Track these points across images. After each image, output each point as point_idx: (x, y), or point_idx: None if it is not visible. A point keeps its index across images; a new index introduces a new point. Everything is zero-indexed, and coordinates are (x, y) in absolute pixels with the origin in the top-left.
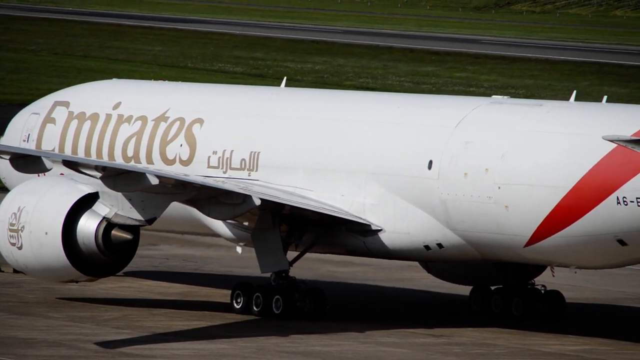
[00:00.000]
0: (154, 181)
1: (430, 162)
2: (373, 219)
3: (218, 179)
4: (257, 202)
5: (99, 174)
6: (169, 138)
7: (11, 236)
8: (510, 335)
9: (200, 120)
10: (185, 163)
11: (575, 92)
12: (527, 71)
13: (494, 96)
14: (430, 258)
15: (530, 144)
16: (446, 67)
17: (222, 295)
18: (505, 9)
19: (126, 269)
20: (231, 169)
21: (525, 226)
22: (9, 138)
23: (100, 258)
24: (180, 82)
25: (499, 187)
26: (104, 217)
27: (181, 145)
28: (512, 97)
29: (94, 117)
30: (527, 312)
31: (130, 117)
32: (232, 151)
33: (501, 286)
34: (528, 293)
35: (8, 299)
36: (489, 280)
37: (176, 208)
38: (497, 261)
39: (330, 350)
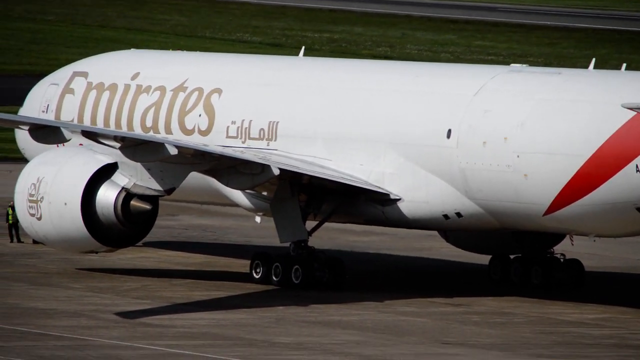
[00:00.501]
0: (173, 151)
1: (449, 131)
2: (392, 188)
3: (237, 148)
4: (276, 171)
5: (117, 144)
6: (187, 108)
7: (30, 207)
8: (529, 303)
9: (218, 90)
10: (204, 133)
11: (594, 60)
12: (545, 39)
13: (512, 64)
14: (449, 227)
15: (549, 112)
16: (465, 35)
17: (241, 265)
18: None
19: (145, 239)
20: (250, 138)
21: (544, 195)
22: (28, 109)
23: (119, 228)
24: (198, 52)
25: (518, 156)
26: (123, 188)
27: (200, 115)
28: (530, 65)
29: (113, 87)
30: (547, 280)
31: (149, 87)
32: (250, 121)
33: (520, 255)
34: (547, 262)
35: (28, 270)
36: (508, 249)
37: (195, 178)
38: (516, 230)
39: (349, 319)
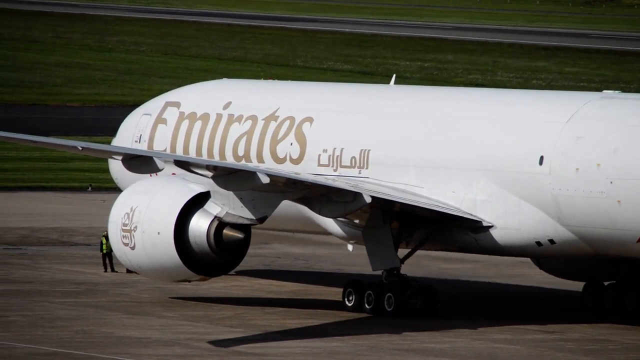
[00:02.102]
0: (265, 180)
1: (542, 157)
2: (484, 216)
3: (328, 177)
4: (368, 199)
5: (210, 174)
6: (279, 137)
7: (124, 236)
8: (624, 330)
9: (310, 119)
10: (296, 161)
11: None
12: (638, 65)
13: (605, 91)
14: (542, 254)
15: None
16: (556, 62)
17: (333, 293)
18: (616, 3)
19: (238, 268)
20: (341, 166)
21: (638, 221)
22: (121, 139)
23: (212, 257)
24: (289, 81)
25: (611, 182)
26: (215, 217)
27: (291, 143)
28: (623, 91)
29: (205, 117)
30: None
31: (241, 116)
32: (342, 149)
33: (614, 282)
34: None
35: (122, 299)
36: (601, 276)
37: (287, 206)
38: (610, 256)
39: (443, 347)
